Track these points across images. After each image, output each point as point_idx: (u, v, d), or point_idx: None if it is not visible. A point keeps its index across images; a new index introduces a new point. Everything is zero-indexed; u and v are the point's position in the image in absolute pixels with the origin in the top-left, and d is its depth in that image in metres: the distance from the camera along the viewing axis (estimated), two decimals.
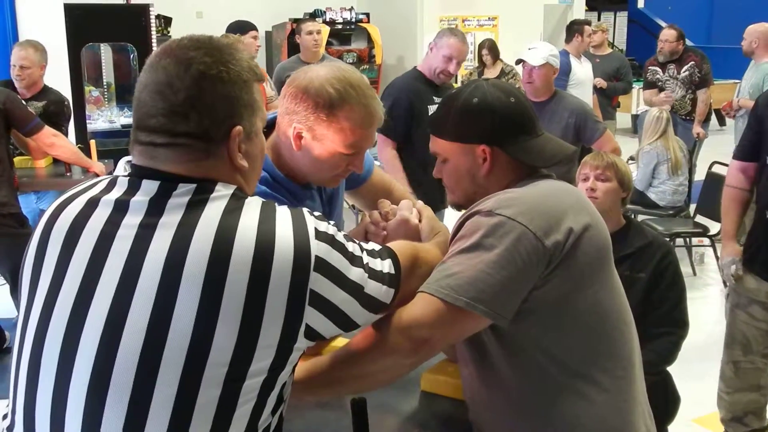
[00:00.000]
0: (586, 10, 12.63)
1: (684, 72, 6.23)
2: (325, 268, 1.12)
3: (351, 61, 9.90)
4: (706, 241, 5.42)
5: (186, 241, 1.06)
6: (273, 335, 1.07)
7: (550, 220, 1.41)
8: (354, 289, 1.17)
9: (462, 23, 9.97)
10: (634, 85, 7.88)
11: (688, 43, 6.55)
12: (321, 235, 1.13)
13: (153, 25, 6.67)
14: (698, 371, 3.21)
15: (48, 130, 4.10)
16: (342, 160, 1.68)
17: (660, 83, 6.32)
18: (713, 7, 14.19)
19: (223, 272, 1.04)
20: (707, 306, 4.89)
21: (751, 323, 2.83)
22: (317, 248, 1.11)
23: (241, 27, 5.31)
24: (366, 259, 1.21)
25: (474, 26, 10.09)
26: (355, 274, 1.17)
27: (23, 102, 4.10)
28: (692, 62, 6.22)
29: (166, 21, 9.97)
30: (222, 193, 1.12)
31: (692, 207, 5.51)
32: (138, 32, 6.55)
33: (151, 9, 6.66)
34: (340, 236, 1.18)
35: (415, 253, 1.41)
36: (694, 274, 5.39)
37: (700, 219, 5.33)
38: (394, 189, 2.07)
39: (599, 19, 13.60)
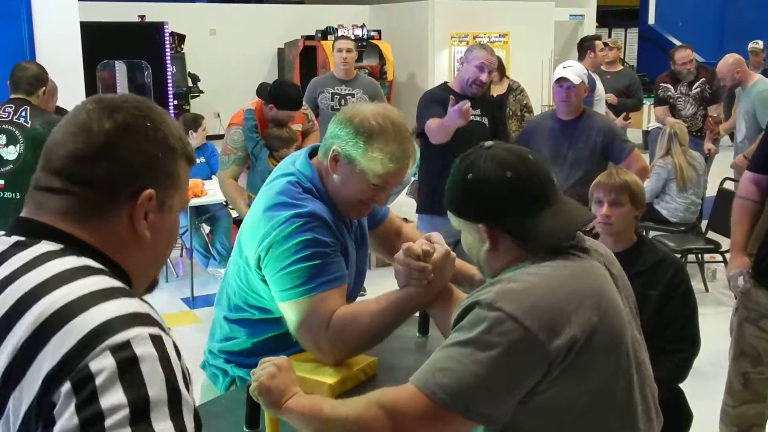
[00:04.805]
0: (597, 27, 12.67)
1: (695, 89, 6.24)
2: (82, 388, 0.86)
3: None
4: (718, 257, 5.41)
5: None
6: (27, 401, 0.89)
7: (554, 320, 1.32)
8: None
9: (473, 40, 10.02)
10: (644, 101, 7.89)
11: (699, 59, 6.56)
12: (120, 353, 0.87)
13: (167, 42, 6.78)
14: (710, 388, 3.20)
15: None
16: (368, 189, 1.79)
17: (671, 100, 6.33)
18: (724, 23, 14.19)
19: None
20: (719, 323, 4.82)
21: (762, 337, 2.76)
22: (101, 363, 0.86)
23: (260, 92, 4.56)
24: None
25: (485, 43, 10.14)
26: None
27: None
28: (703, 79, 6.24)
29: (179, 38, 10.07)
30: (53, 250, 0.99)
31: (704, 223, 5.51)
32: (152, 50, 6.67)
33: (165, 27, 6.77)
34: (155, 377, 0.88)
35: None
36: (706, 290, 5.37)
37: (711, 235, 5.32)
38: (403, 227, 2.20)
39: (610, 36, 13.62)
